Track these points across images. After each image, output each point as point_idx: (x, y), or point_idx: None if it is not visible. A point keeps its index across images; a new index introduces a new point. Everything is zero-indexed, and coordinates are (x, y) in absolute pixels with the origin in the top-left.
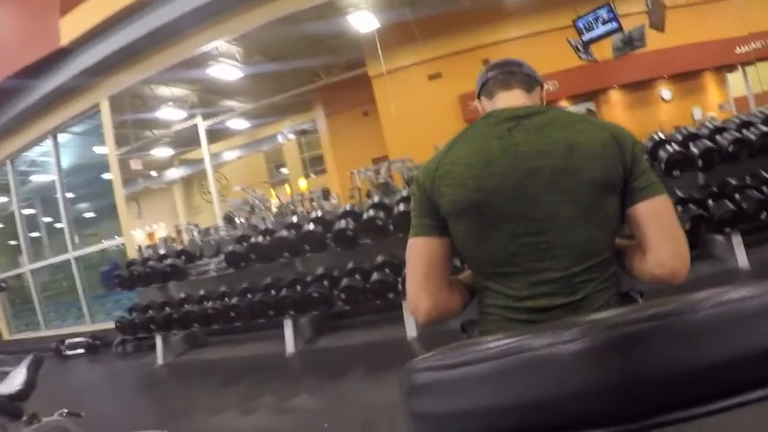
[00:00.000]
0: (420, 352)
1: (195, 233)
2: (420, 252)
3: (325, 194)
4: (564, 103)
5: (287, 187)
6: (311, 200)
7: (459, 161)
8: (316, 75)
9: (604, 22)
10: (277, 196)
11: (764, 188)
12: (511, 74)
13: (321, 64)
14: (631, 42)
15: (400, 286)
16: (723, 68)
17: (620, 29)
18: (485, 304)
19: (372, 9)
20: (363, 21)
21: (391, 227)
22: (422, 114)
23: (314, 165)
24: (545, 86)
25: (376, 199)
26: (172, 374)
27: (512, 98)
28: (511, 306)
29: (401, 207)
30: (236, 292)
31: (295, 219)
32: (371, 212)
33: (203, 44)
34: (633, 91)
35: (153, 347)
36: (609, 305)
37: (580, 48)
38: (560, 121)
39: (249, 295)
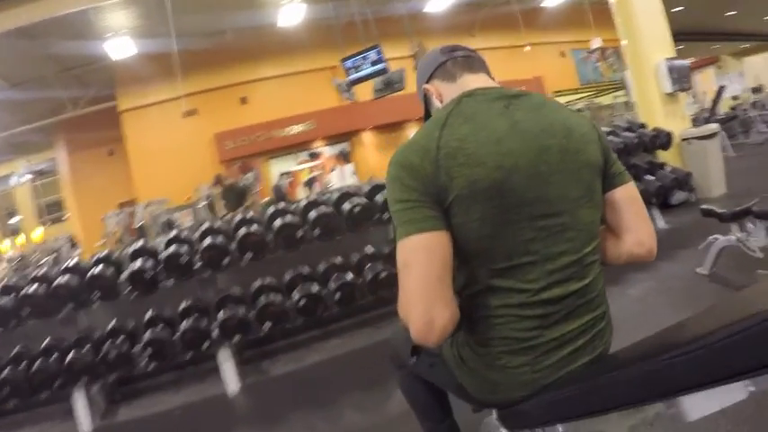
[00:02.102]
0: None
1: None
2: (431, 251)
3: (73, 243)
4: (318, 144)
5: (20, 237)
6: (53, 251)
7: (467, 138)
8: (61, 106)
9: (373, 63)
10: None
11: None
12: (470, 57)
13: (68, 95)
14: (392, 84)
15: (214, 333)
16: None
17: (386, 70)
18: (491, 307)
19: (131, 36)
20: (118, 48)
21: (197, 264)
22: (175, 153)
23: (51, 211)
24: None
25: (174, 233)
26: None
27: (482, 81)
28: (525, 302)
29: (207, 241)
30: (7, 360)
31: (73, 262)
32: (173, 248)
33: None
34: (385, 132)
35: None
36: (604, 289)
37: (343, 88)
38: (550, 104)
39: (24, 363)
